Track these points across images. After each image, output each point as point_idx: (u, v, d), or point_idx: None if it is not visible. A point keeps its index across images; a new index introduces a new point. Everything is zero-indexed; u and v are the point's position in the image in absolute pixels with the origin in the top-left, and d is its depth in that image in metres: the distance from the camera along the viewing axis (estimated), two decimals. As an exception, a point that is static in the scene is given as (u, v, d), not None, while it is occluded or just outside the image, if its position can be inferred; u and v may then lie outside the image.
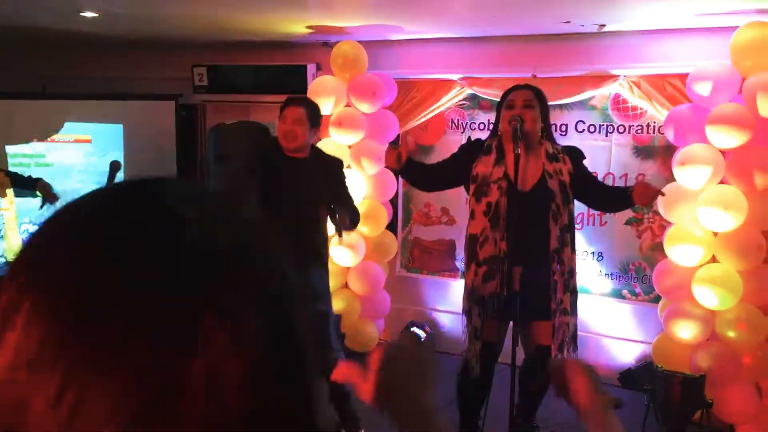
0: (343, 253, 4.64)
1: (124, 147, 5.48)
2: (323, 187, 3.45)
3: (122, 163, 5.31)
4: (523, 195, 2.98)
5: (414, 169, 3.28)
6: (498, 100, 3.27)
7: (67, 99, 5.45)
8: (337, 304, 4.71)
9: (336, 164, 3.59)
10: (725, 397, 3.71)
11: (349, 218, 3.40)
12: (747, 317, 3.65)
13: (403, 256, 5.23)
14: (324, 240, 3.54)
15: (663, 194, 3.12)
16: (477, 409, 3.19)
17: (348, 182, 3.65)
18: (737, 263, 3.64)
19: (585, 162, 3.28)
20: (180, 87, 5.58)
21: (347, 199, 3.54)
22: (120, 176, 5.36)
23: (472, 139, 3.42)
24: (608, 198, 3.25)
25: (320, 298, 3.47)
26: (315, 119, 3.48)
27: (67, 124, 5.38)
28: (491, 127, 3.35)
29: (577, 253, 4.44)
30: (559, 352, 3.06)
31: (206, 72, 5.36)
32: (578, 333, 4.51)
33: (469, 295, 3.09)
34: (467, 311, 3.10)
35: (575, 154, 3.17)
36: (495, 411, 3.27)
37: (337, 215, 3.30)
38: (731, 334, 3.66)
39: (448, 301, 4.91)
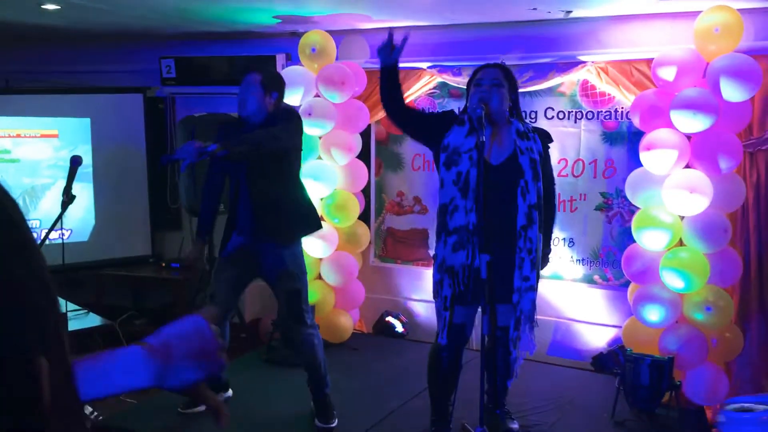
0: (316, 244, 4.62)
1: (92, 141, 5.41)
2: (277, 150, 3.31)
3: (89, 157, 5.28)
4: (494, 169, 2.99)
5: (397, 87, 3.20)
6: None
7: (31, 93, 5.36)
8: (311, 296, 4.70)
9: (281, 112, 3.43)
10: (694, 379, 3.77)
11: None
12: (714, 299, 3.69)
13: (376, 246, 5.22)
14: (295, 214, 3.49)
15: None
16: (448, 395, 3.20)
17: (289, 123, 3.38)
18: (703, 246, 3.68)
19: (553, 146, 3.31)
20: (148, 79, 5.52)
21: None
22: (87, 170, 5.31)
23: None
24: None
25: (291, 276, 3.46)
26: (271, 84, 3.41)
27: (32, 119, 5.29)
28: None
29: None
30: (515, 330, 3.07)
31: (174, 64, 5.29)
32: (551, 318, 4.60)
33: (440, 265, 3.09)
34: (438, 282, 3.10)
35: (543, 137, 3.19)
36: (466, 398, 3.29)
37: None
38: (699, 316, 3.70)
39: (423, 290, 4.91)
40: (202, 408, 3.63)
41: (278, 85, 3.47)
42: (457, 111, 3.08)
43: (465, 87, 3.33)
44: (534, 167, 3.04)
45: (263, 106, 3.37)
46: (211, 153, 3.02)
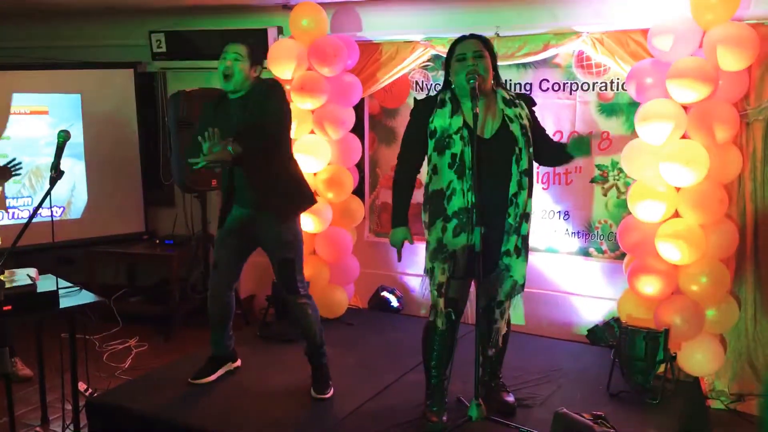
0: (310, 219, 4.59)
1: (82, 117, 5.35)
2: (257, 120, 3.29)
3: (80, 134, 5.22)
4: (487, 142, 2.96)
5: (407, 204, 3.14)
6: None
7: (19, 69, 5.28)
8: (305, 271, 4.68)
9: (264, 85, 3.42)
10: (689, 351, 3.77)
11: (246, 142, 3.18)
12: (710, 271, 3.68)
13: (371, 221, 5.20)
14: (289, 188, 3.50)
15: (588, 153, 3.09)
16: (443, 368, 3.19)
17: (275, 102, 3.35)
18: (699, 218, 3.66)
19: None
20: (138, 54, 5.44)
21: (261, 119, 3.28)
22: (79, 149, 5.25)
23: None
24: (550, 151, 3.20)
25: (285, 245, 3.49)
26: (256, 56, 3.43)
27: (21, 96, 5.21)
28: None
29: (542, 209, 4.52)
30: (506, 299, 3.08)
31: (164, 38, 5.22)
32: (546, 292, 4.59)
33: (434, 252, 3.05)
34: (430, 270, 3.08)
35: (528, 101, 3.16)
36: (462, 371, 3.29)
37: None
38: (694, 288, 3.69)
39: (418, 264, 4.87)
40: (212, 378, 3.65)
41: (261, 58, 3.52)
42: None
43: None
44: (525, 133, 3.02)
45: (248, 78, 3.38)
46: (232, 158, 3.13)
